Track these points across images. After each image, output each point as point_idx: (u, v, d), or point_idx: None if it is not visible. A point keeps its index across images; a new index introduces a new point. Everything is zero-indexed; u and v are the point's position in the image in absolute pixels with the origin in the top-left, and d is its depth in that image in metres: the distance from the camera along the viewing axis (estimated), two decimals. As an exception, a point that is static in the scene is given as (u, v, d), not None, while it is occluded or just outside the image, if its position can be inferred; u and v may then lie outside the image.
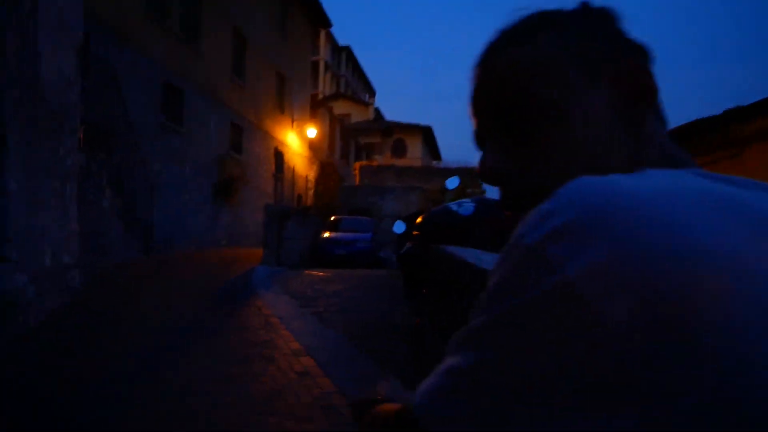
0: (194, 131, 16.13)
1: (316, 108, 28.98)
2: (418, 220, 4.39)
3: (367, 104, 47.11)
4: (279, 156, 22.92)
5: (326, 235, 16.24)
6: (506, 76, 0.57)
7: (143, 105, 13.54)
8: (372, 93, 56.32)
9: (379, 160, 37.48)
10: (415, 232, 5.13)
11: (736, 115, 8.25)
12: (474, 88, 0.61)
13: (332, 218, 17.98)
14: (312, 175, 26.79)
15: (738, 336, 0.34)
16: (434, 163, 42.27)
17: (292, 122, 24.22)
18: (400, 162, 34.54)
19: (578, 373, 0.38)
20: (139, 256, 11.82)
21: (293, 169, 24.47)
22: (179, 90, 15.39)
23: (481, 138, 0.63)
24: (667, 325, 0.35)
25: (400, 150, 41.74)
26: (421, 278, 4.95)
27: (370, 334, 5.46)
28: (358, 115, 43.13)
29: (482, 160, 0.61)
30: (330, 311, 6.68)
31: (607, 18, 0.59)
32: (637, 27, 0.59)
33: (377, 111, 49.90)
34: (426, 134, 42.93)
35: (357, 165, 28.29)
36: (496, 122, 0.58)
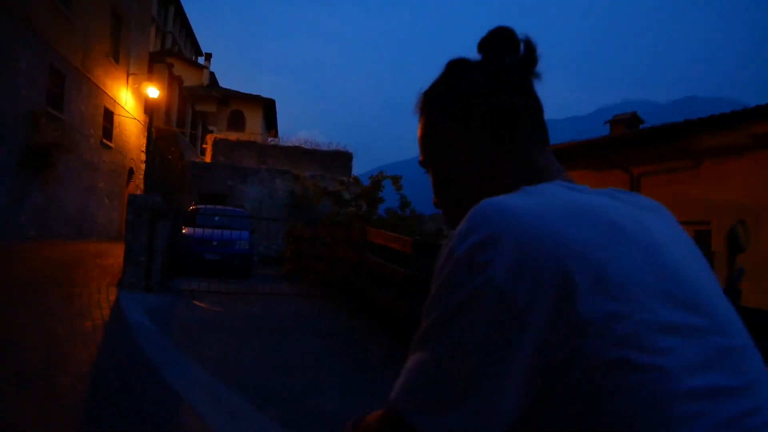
0: (-4, 72, 11.04)
1: (154, 63, 23.82)
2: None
3: (201, 67, 41.35)
4: (110, 118, 17.80)
5: (187, 231, 12.04)
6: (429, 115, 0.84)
7: None
8: (204, 55, 49.99)
9: (215, 131, 32.70)
10: None
11: (695, 127, 8.12)
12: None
13: (191, 208, 13.92)
14: (144, 144, 21.73)
15: (582, 289, 0.56)
16: (270, 140, 38.40)
17: (128, 77, 19.13)
18: (237, 135, 30.10)
19: (503, 346, 0.55)
20: None
21: (125, 137, 19.39)
22: (-25, 7, 10.26)
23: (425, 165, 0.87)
24: (550, 291, 0.55)
25: (237, 122, 37.32)
26: None
27: None
28: (190, 79, 37.48)
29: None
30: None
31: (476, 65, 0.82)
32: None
33: (212, 76, 44.29)
34: (267, 107, 38.92)
35: (210, 138, 23.46)
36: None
